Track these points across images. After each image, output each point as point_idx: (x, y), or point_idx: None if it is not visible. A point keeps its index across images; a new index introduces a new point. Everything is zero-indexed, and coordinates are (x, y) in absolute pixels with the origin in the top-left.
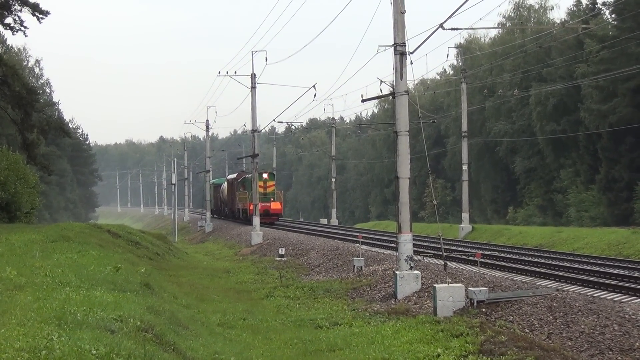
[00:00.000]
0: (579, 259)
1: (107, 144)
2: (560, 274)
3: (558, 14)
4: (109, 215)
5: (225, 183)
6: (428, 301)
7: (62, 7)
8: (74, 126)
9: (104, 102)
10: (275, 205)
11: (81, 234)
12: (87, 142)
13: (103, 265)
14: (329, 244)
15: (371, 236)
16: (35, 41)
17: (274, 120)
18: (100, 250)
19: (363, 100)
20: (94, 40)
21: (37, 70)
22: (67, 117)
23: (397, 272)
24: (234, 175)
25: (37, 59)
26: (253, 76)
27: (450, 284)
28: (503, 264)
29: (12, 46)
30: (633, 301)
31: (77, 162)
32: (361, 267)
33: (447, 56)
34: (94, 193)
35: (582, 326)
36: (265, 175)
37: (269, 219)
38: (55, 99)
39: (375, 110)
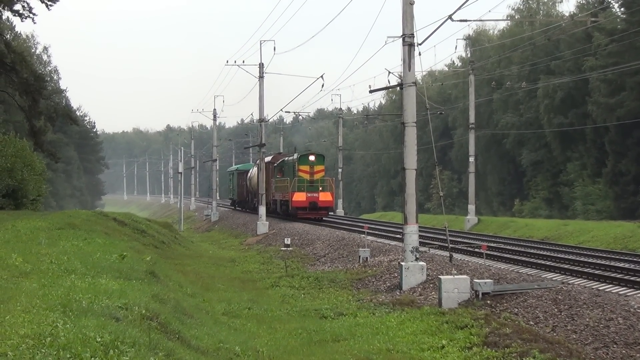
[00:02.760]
0: (585, 252)
1: (114, 132)
2: (566, 267)
3: (567, 7)
4: (115, 203)
5: (255, 169)
6: (433, 292)
7: None
8: (81, 114)
9: (112, 90)
10: (325, 197)
11: (87, 222)
12: (94, 130)
13: (109, 253)
14: (335, 234)
15: (377, 227)
16: (43, 28)
17: (281, 110)
18: (106, 238)
19: (371, 91)
20: (101, 28)
21: (45, 57)
22: (74, 104)
23: (402, 263)
24: (267, 159)
25: (45, 46)
26: (261, 66)
27: (455, 276)
28: (508, 256)
29: (20, 33)
30: (638, 295)
31: (84, 149)
32: (367, 257)
33: (456, 48)
34: (101, 181)
35: (587, 319)
36: (311, 157)
37: (316, 214)
38: (62, 87)
39: (383, 101)
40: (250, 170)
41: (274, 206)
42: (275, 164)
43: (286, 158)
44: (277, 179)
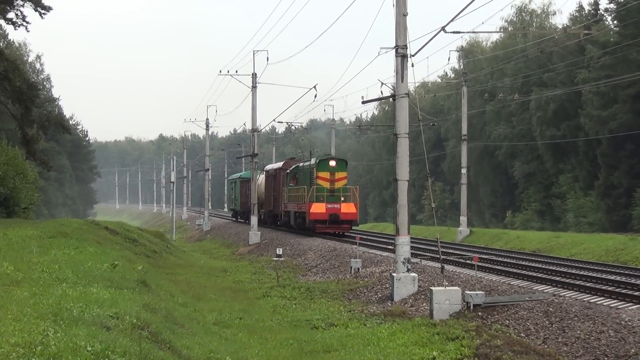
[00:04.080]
0: (576, 265)
1: (107, 141)
2: (557, 279)
3: (560, 19)
4: (107, 212)
5: (262, 176)
6: (424, 304)
7: (63, 2)
8: (74, 122)
9: (104, 99)
10: (348, 208)
11: (79, 231)
12: (87, 139)
13: (100, 262)
14: (327, 244)
15: (369, 238)
16: (36, 36)
17: (274, 120)
18: (98, 247)
19: (363, 102)
20: (94, 37)
21: (37, 65)
22: (67, 113)
23: (394, 274)
24: (277, 165)
25: (37, 54)
26: (254, 76)
27: (447, 287)
28: (500, 268)
29: (13, 41)
30: (629, 307)
31: (76, 158)
32: (358, 268)
33: (449, 59)
34: (93, 190)
35: (578, 332)
36: (332, 163)
37: (338, 228)
38: (55, 95)
39: (376, 112)
40: (257, 178)
41: (286, 219)
42: (288, 171)
43: (301, 164)
44: (291, 188)
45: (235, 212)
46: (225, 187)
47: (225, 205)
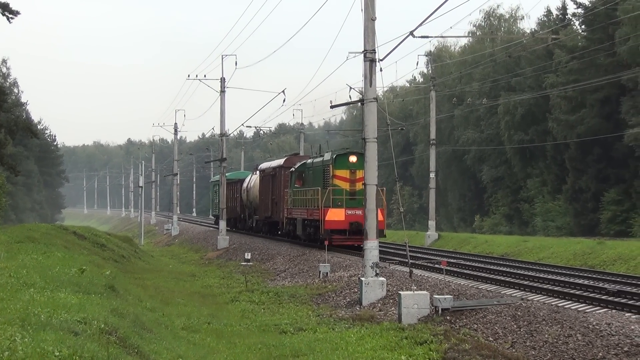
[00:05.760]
0: (544, 269)
1: (75, 146)
2: (525, 283)
3: (528, 24)
4: (75, 216)
5: (256, 176)
6: (393, 308)
7: (30, 7)
8: (42, 127)
9: (73, 104)
10: None
11: (47, 235)
12: (55, 143)
13: (68, 266)
14: (295, 249)
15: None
16: (2, 40)
17: (242, 124)
18: (66, 251)
19: (332, 107)
20: (62, 41)
21: (4, 69)
22: (35, 117)
23: (362, 279)
24: (277, 162)
25: (3, 58)
26: (222, 80)
27: (415, 292)
28: (468, 272)
29: None
30: (597, 311)
31: (44, 163)
32: (327, 273)
33: (417, 64)
34: (61, 194)
35: (546, 335)
36: (352, 158)
37: (360, 241)
38: (23, 100)
39: (344, 117)
40: (247, 180)
41: (290, 227)
42: (293, 169)
43: (309, 160)
44: (297, 190)
45: (218, 218)
46: (196, 192)
47: (194, 210)
